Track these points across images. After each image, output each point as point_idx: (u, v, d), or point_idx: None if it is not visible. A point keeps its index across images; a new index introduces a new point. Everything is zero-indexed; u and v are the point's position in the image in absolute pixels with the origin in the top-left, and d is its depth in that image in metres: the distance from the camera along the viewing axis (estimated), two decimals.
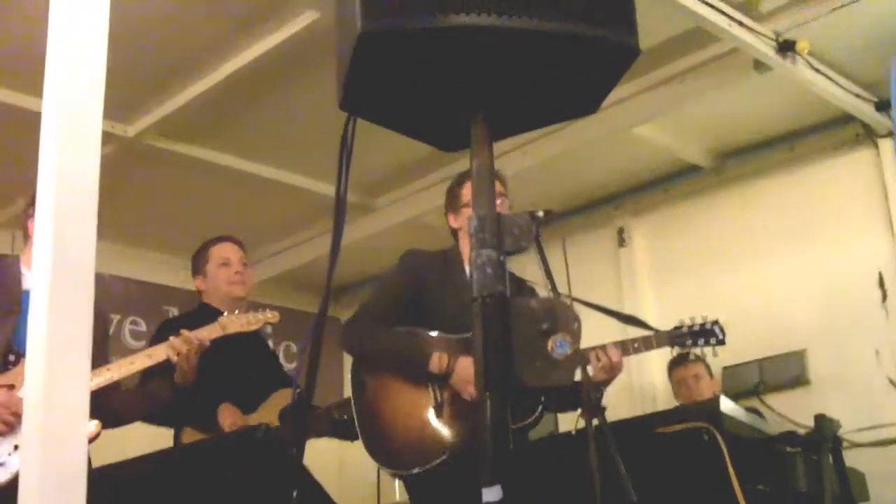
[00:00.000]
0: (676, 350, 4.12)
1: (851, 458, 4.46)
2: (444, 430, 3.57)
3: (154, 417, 4.22)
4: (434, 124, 1.91)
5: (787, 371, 5.80)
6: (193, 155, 5.75)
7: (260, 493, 2.94)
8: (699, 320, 4.11)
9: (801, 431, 4.48)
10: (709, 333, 4.10)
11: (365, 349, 3.78)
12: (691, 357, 5.37)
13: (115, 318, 6.78)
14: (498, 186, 3.13)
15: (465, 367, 3.54)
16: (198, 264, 4.55)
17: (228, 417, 4.10)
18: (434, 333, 3.70)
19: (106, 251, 1.85)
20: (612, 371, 3.80)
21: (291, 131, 5.64)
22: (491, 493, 1.51)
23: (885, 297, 5.51)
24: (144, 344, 6.86)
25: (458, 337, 3.64)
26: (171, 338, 3.81)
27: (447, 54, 1.68)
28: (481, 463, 1.53)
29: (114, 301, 6.80)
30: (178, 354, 3.76)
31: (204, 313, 4.26)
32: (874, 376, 5.44)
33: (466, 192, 3.91)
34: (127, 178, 5.64)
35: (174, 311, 7.19)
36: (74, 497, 1.43)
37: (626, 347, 3.88)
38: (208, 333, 3.92)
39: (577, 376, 2.15)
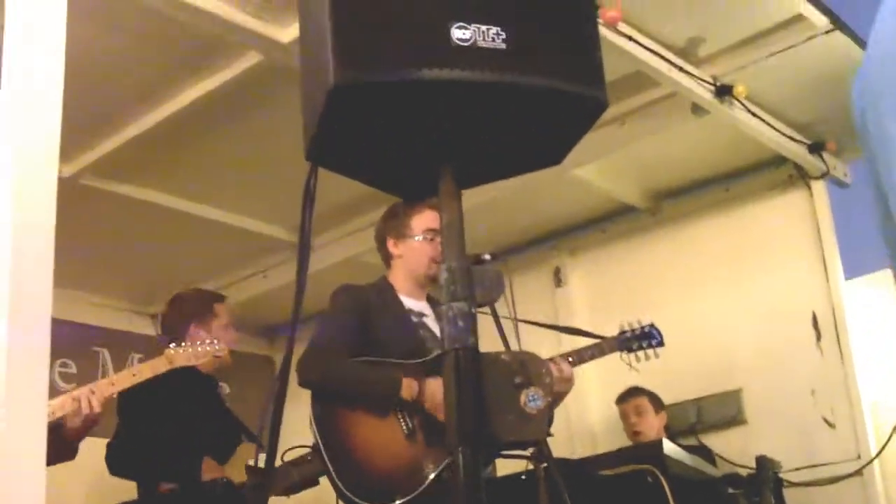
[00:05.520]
0: (625, 354, 4.19)
1: (787, 497, 4.51)
2: (420, 457, 3.51)
3: (127, 473, 4.17)
4: (399, 175, 1.91)
5: (724, 410, 5.84)
6: (129, 195, 5.65)
7: None
8: (636, 325, 4.21)
9: (743, 472, 4.54)
10: (649, 336, 4.26)
11: (330, 381, 3.65)
12: (632, 390, 5.40)
13: None
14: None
15: (436, 390, 3.46)
16: (205, 316, 4.47)
17: (210, 474, 4.03)
18: (393, 360, 3.66)
19: None
20: (568, 383, 3.85)
21: (230, 171, 5.57)
22: None
23: (819, 337, 5.57)
24: (74, 385, 6.76)
25: (416, 362, 3.63)
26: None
27: (418, 107, 1.67)
28: None
29: None
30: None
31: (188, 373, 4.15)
32: (810, 416, 5.49)
33: (416, 223, 3.90)
34: (61, 219, 5.51)
35: (105, 353, 7.03)
36: None
37: (581, 355, 4.01)
38: (152, 368, 3.85)
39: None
